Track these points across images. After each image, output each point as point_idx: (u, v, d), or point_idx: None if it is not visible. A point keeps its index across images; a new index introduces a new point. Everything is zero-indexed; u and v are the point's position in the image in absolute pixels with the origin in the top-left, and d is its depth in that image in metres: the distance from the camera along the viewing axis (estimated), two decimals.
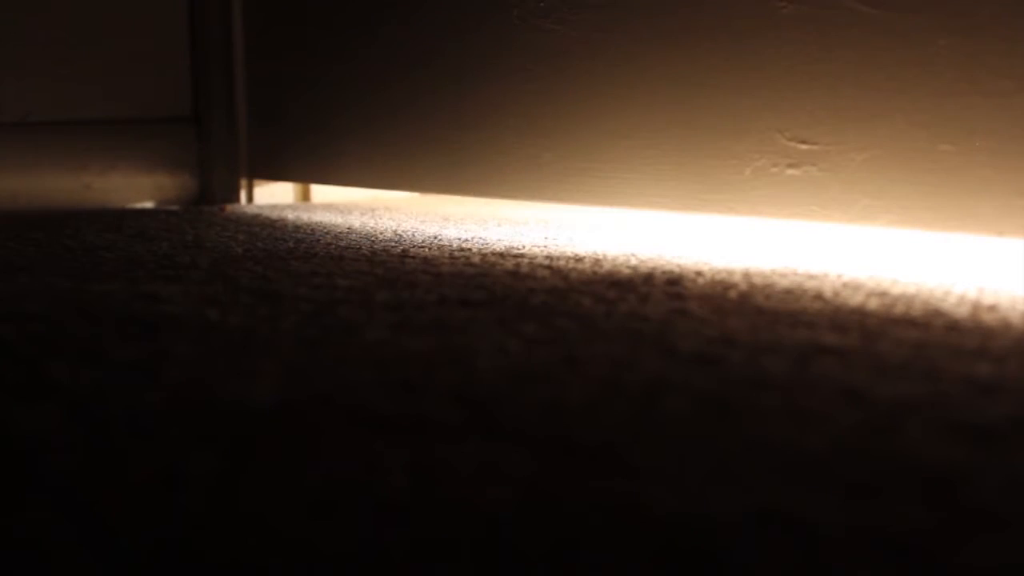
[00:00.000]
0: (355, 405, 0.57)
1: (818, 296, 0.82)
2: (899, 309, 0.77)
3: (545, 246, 1.13)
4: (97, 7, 1.70)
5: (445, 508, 0.43)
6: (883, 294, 0.82)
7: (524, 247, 1.12)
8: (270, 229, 1.34)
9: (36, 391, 0.60)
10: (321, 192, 1.79)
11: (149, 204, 1.73)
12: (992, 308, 0.77)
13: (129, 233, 1.31)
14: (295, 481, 0.46)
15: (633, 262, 1.01)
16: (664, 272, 0.94)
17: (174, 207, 1.70)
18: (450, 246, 1.13)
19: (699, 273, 0.93)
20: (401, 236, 1.24)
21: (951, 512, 0.42)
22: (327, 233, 1.28)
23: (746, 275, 0.92)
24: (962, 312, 0.76)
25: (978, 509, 0.42)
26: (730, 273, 0.93)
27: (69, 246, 1.19)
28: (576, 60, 1.22)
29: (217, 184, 1.73)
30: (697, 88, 1.10)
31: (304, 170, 1.68)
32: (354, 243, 1.18)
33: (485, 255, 1.06)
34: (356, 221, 1.42)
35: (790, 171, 1.02)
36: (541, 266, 0.99)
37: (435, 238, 1.21)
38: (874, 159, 0.97)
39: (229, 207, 1.67)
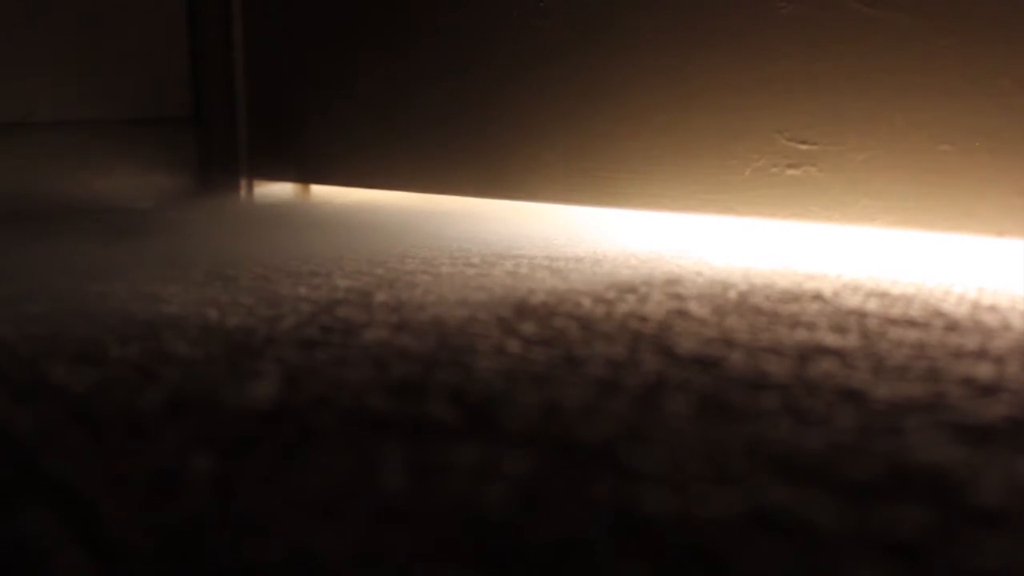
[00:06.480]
0: (355, 405, 0.56)
1: (818, 296, 0.82)
2: (899, 309, 0.77)
3: (545, 246, 1.13)
4: (98, 8, 1.70)
5: (444, 508, 0.43)
6: (883, 294, 0.82)
7: (524, 247, 1.12)
8: (269, 228, 1.34)
9: (36, 391, 0.60)
10: (321, 191, 1.79)
11: (149, 204, 1.73)
12: (992, 308, 0.77)
13: (129, 233, 1.31)
14: (295, 481, 0.46)
15: (633, 262, 1.00)
16: (664, 272, 0.94)
17: (174, 207, 1.70)
18: (450, 246, 1.13)
19: (699, 273, 0.93)
20: (401, 236, 1.24)
21: (950, 512, 0.42)
22: (326, 232, 1.28)
23: (746, 275, 0.92)
24: (962, 312, 0.76)
25: (977, 509, 0.42)
26: (730, 273, 0.93)
27: (69, 246, 1.19)
28: (576, 61, 1.22)
29: (217, 184, 1.73)
30: (697, 88, 1.10)
31: (303, 170, 1.68)
32: (354, 243, 1.18)
33: (485, 255, 1.06)
34: (356, 220, 1.42)
35: (790, 172, 1.02)
36: (541, 266, 0.99)
37: (435, 238, 1.21)
38: (874, 159, 0.97)
39: (229, 206, 1.67)
